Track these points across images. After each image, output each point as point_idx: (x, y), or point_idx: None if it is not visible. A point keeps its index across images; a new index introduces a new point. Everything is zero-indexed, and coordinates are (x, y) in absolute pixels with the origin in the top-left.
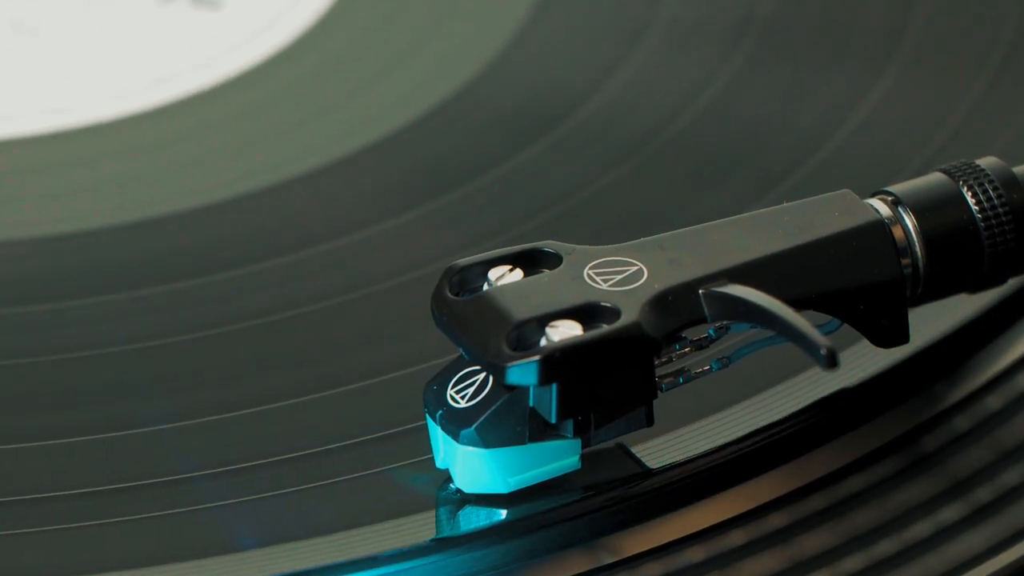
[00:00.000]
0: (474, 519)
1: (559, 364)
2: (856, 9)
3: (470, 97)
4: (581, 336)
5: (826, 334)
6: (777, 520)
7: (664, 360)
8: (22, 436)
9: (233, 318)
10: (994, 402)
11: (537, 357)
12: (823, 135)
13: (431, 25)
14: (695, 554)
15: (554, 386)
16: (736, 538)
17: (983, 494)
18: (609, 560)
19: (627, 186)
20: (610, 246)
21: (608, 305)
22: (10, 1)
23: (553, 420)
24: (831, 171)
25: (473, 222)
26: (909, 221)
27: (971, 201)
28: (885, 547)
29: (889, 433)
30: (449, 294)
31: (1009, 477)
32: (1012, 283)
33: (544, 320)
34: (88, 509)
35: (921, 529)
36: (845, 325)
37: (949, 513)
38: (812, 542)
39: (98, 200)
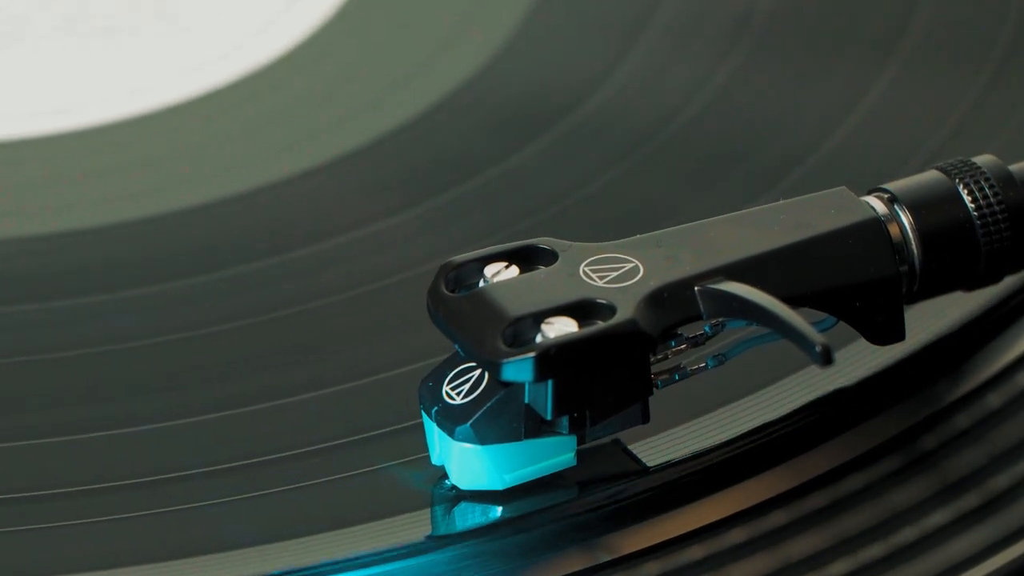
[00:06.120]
0: (470, 516)
1: (554, 361)
2: (855, 8)
3: (468, 95)
4: (576, 333)
5: (822, 331)
6: (777, 518)
7: (660, 357)
8: (22, 435)
9: (230, 317)
10: (994, 400)
11: (532, 354)
12: (821, 133)
13: (429, 23)
14: (693, 553)
15: (549, 383)
16: (736, 536)
17: (984, 492)
18: (606, 559)
19: (625, 184)
20: (606, 243)
21: (604, 302)
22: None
23: (548, 417)
24: (829, 170)
25: (471, 220)
26: (905, 219)
27: (967, 199)
28: (885, 545)
29: (889, 431)
30: (445, 291)
31: (1010, 475)
32: (1009, 281)
33: (540, 317)
34: (87, 507)
35: (921, 527)
36: (841, 322)
37: (949, 511)
38: (811, 540)
39: (97, 199)
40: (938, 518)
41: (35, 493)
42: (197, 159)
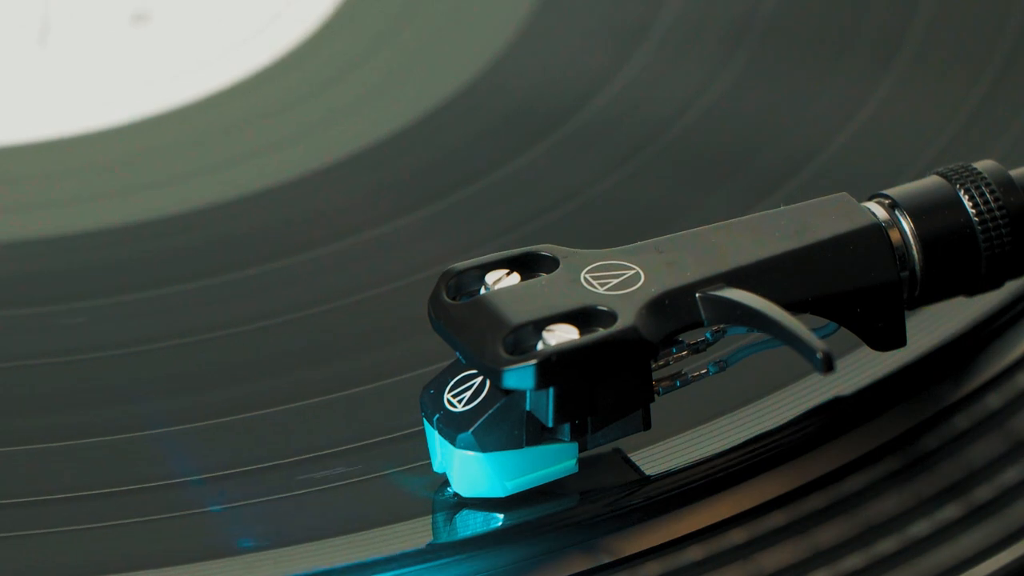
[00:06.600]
0: (471, 523)
1: (555, 368)
2: (857, 13)
3: (467, 100)
4: (577, 340)
5: (823, 338)
6: (777, 519)
7: (661, 364)
8: (22, 437)
9: (231, 322)
10: (994, 401)
11: (534, 361)
12: (823, 139)
13: (430, 26)
14: (693, 554)
15: (550, 390)
16: (736, 536)
17: (983, 493)
18: (607, 560)
19: (626, 190)
20: (607, 250)
21: (605, 309)
22: None
23: (549, 424)
24: (831, 175)
25: (472, 226)
26: (906, 224)
27: (968, 204)
28: (884, 546)
29: (889, 432)
30: (446, 298)
31: (1009, 476)
32: (1010, 286)
33: (541, 324)
34: (88, 511)
35: (921, 528)
36: (842, 329)
37: (949, 512)
38: (811, 541)
39: (99, 201)
40: (939, 518)
41: (37, 497)
42: (197, 165)
